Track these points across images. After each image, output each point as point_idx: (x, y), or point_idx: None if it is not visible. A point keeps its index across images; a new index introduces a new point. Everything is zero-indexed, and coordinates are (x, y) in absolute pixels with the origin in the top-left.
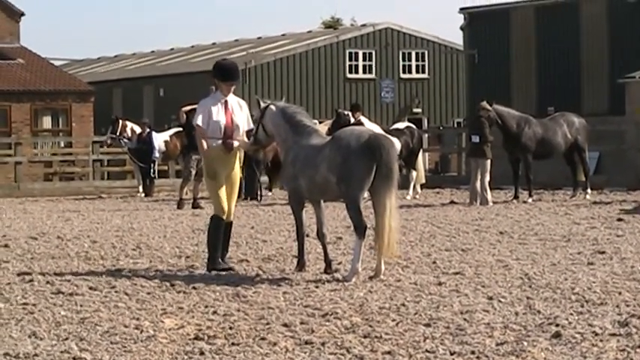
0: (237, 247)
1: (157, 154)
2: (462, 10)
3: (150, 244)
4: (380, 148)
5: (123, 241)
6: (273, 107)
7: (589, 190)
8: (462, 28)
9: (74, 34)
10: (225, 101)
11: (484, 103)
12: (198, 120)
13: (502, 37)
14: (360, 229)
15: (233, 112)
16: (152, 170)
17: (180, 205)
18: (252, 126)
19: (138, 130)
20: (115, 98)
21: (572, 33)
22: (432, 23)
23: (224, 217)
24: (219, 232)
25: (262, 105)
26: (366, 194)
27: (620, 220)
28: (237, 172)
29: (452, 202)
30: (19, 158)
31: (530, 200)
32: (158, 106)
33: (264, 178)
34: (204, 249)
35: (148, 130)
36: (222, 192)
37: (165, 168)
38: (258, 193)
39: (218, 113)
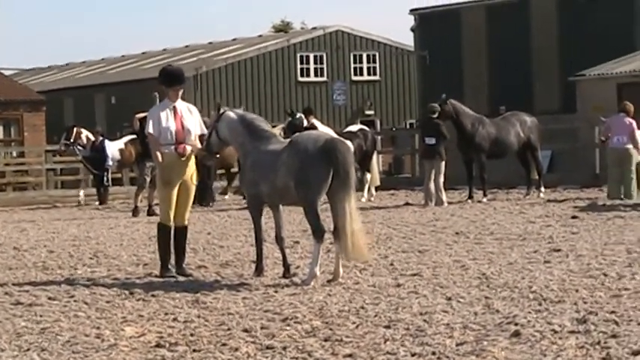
0: (195, 253)
1: (110, 162)
2: (412, 11)
3: (107, 253)
4: (336, 152)
5: (80, 250)
6: (231, 113)
7: (542, 189)
8: (412, 30)
9: (23, 43)
10: (174, 107)
11: (433, 105)
12: (150, 128)
13: (453, 38)
14: (318, 232)
15: (183, 116)
16: (106, 178)
17: (135, 212)
18: (204, 131)
19: (92, 137)
20: (67, 107)
21: (523, 32)
22: (382, 25)
23: (169, 224)
24: (167, 238)
25: (221, 110)
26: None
27: (574, 217)
28: (193, 178)
29: (407, 203)
30: None
31: (484, 200)
32: (110, 114)
33: (217, 184)
34: None
35: (100, 137)
36: (172, 199)
37: (119, 175)
38: (210, 198)
39: (168, 119)
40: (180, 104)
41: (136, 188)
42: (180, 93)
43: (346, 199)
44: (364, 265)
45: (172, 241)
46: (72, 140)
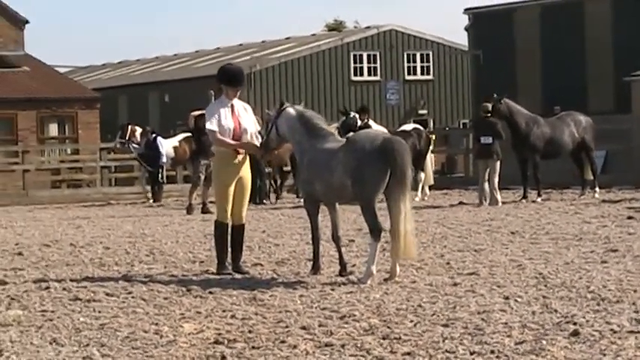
0: (251, 252)
1: (164, 160)
2: (466, 10)
3: (163, 250)
4: (394, 152)
5: (136, 247)
6: (290, 109)
7: (597, 189)
8: (466, 29)
9: (78, 41)
10: (232, 105)
11: (487, 104)
12: (211, 124)
13: (507, 37)
14: (375, 231)
15: (240, 115)
16: (160, 176)
17: (189, 210)
18: (258, 128)
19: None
20: (121, 104)
21: (577, 32)
22: (436, 24)
23: (226, 222)
24: (223, 236)
25: (283, 106)
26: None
27: (630, 218)
28: (249, 176)
29: (461, 202)
30: (27, 166)
31: (539, 200)
32: (163, 112)
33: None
34: None
35: (153, 135)
36: (228, 197)
37: (173, 173)
38: (266, 196)
39: (226, 117)
40: (236, 103)
41: (190, 186)
42: (239, 93)
43: (402, 199)
44: (420, 264)
45: (230, 238)
46: (127, 138)
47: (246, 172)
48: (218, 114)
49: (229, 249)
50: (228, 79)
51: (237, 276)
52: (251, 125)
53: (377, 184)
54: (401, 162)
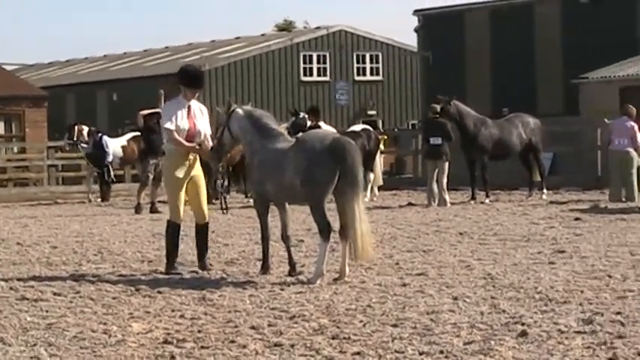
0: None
1: (110, 159)
2: (416, 12)
3: (111, 249)
4: (344, 153)
5: (84, 247)
6: (239, 110)
7: (545, 190)
8: (416, 30)
9: (25, 39)
10: (189, 106)
11: (435, 105)
12: (168, 124)
13: (456, 39)
14: (324, 231)
15: (195, 117)
16: (107, 175)
17: (138, 209)
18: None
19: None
20: (69, 103)
21: (527, 34)
22: (386, 25)
23: (178, 222)
24: (175, 236)
25: (231, 108)
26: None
27: (577, 219)
28: (201, 174)
29: (410, 203)
30: None
31: (487, 201)
32: (112, 111)
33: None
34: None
35: (99, 135)
36: (180, 196)
37: (122, 173)
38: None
39: (182, 118)
40: (193, 103)
41: (139, 185)
42: (197, 95)
43: (354, 200)
44: (370, 264)
45: (195, 237)
46: (75, 138)
47: (197, 170)
48: (175, 114)
49: (196, 249)
50: (189, 80)
51: (186, 275)
52: (206, 127)
53: (326, 185)
54: (351, 162)
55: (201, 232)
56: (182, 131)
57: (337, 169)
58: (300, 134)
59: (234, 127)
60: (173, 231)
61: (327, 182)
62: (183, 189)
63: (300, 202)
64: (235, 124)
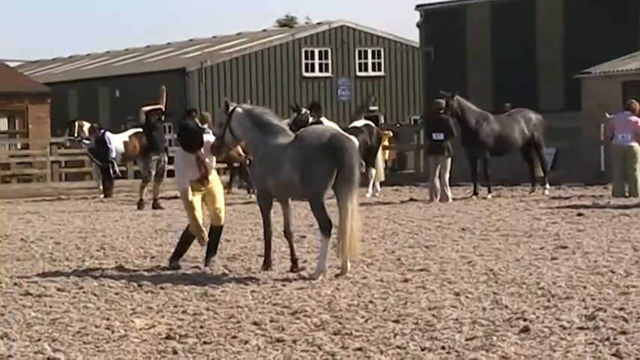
0: (202, 247)
1: (113, 155)
2: (417, 7)
3: (114, 245)
4: (342, 150)
5: (87, 243)
6: (239, 109)
7: (547, 186)
8: (417, 26)
9: (28, 35)
10: (197, 156)
11: (439, 100)
12: (185, 185)
13: (458, 34)
14: (325, 227)
15: (204, 157)
16: (112, 171)
17: (140, 205)
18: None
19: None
20: (71, 99)
21: (528, 29)
22: (387, 21)
23: (201, 243)
24: (188, 241)
25: (230, 108)
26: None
27: (580, 214)
28: (217, 180)
29: (411, 199)
30: None
31: (489, 196)
32: (114, 107)
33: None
34: (168, 249)
35: (102, 131)
36: (199, 217)
37: (124, 169)
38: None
39: (193, 170)
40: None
41: (141, 181)
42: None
43: (349, 197)
44: (371, 260)
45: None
46: (76, 135)
47: (213, 177)
48: (185, 171)
49: (205, 246)
50: (187, 145)
51: (188, 271)
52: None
53: (324, 181)
54: (349, 160)
55: (215, 232)
56: (194, 180)
57: (335, 166)
58: (300, 130)
59: (235, 126)
60: (188, 237)
61: (325, 179)
62: (198, 203)
63: (300, 198)
64: (236, 123)
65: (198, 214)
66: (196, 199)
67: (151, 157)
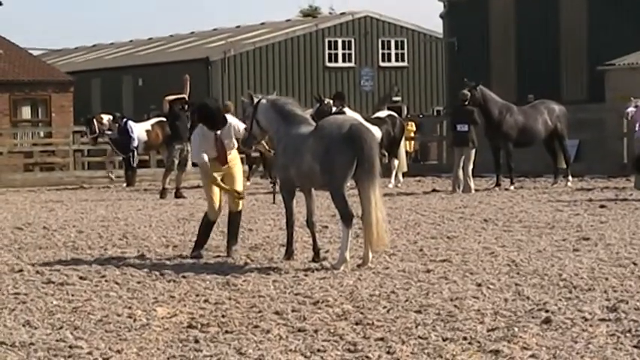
0: (224, 237)
1: (135, 144)
2: None
3: (136, 234)
4: (361, 141)
5: (109, 231)
6: (264, 101)
7: (570, 178)
8: (441, 16)
9: (52, 24)
10: (215, 135)
11: (465, 92)
12: (202, 157)
13: (482, 25)
14: (346, 217)
15: (222, 137)
16: (132, 160)
17: (163, 194)
18: (241, 129)
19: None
20: (94, 88)
21: (552, 20)
22: (411, 11)
23: (214, 220)
24: (208, 229)
25: (255, 100)
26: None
27: (602, 206)
28: (238, 165)
29: (434, 190)
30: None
31: (512, 188)
32: (137, 96)
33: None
34: (190, 238)
35: (124, 120)
36: (215, 196)
37: (147, 158)
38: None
39: (209, 148)
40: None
41: (164, 170)
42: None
43: (371, 188)
44: (393, 251)
45: (227, 225)
46: (97, 131)
47: (235, 162)
48: (202, 144)
49: (227, 235)
50: (209, 122)
51: (210, 261)
52: (231, 137)
53: (344, 171)
54: (368, 150)
55: (233, 220)
56: (211, 160)
57: (355, 156)
58: (321, 120)
59: (261, 118)
60: (207, 225)
61: (345, 169)
62: (216, 189)
63: (322, 188)
64: (262, 115)
65: (216, 190)
66: (217, 177)
67: (174, 146)
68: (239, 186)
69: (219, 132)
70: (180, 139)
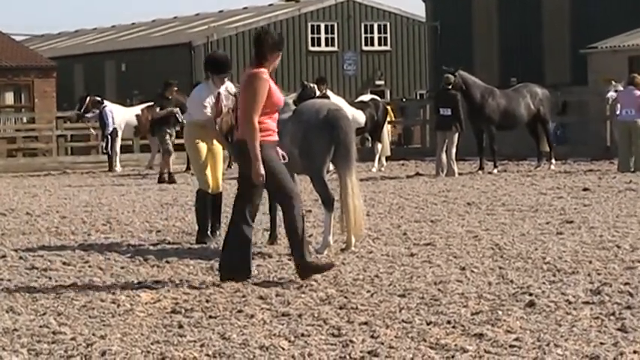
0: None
1: (110, 129)
2: None
3: (120, 219)
4: (337, 128)
5: (92, 217)
6: None
7: (553, 161)
8: (424, 0)
9: (34, 9)
10: (218, 93)
11: (449, 75)
12: (206, 112)
13: (464, 9)
14: (327, 202)
15: (223, 101)
16: (104, 144)
17: (170, 179)
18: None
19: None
20: (77, 73)
21: (535, 4)
22: None
23: (209, 191)
24: (205, 205)
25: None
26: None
27: (585, 189)
28: (219, 146)
29: (417, 173)
30: None
31: (495, 171)
32: (120, 81)
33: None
34: (174, 223)
35: (103, 106)
36: (206, 166)
37: (130, 143)
38: None
39: (209, 105)
40: (222, 89)
41: (163, 156)
42: (226, 80)
43: (347, 174)
44: (377, 235)
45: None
46: (83, 110)
47: (215, 142)
48: (202, 103)
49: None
50: (215, 67)
51: (194, 245)
52: (228, 98)
53: (322, 156)
54: (344, 137)
55: (215, 201)
56: (206, 115)
57: (331, 141)
58: (300, 105)
59: None
60: (203, 200)
61: (323, 154)
62: (206, 157)
63: (303, 172)
64: None
65: (203, 154)
66: (202, 146)
67: (165, 130)
68: (219, 169)
69: (221, 89)
70: (167, 124)
